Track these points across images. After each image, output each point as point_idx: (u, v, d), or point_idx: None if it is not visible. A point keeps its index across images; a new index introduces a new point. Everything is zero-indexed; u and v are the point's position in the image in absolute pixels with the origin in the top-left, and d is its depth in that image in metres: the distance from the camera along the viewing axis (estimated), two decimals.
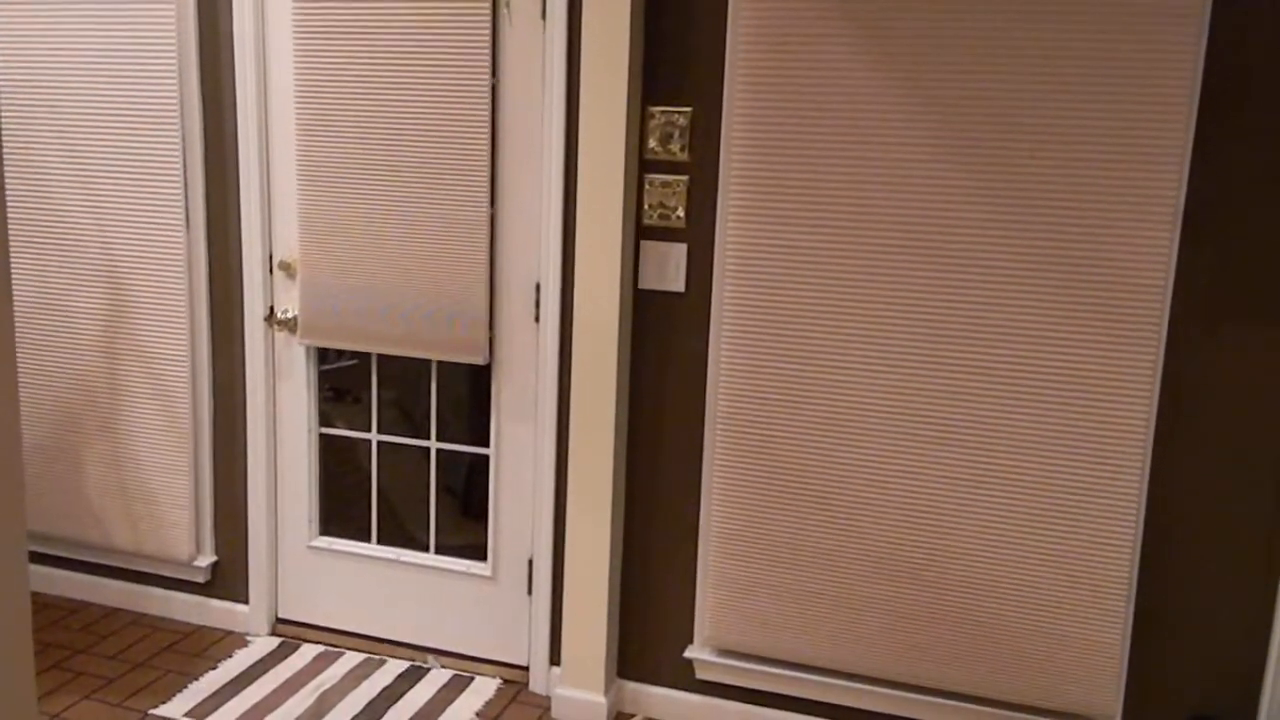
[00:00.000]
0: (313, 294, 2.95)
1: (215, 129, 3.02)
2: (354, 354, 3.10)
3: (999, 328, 2.41)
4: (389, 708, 2.85)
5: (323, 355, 3.12)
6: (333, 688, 2.94)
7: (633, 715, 2.89)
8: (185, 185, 3.04)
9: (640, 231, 2.69)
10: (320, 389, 3.13)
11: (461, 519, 3.10)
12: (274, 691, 2.91)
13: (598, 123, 2.58)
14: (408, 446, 3.09)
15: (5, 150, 3.17)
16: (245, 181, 3.00)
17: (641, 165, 2.66)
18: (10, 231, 3.21)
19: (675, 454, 2.76)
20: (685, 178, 2.63)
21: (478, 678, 3.04)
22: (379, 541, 3.16)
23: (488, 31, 2.69)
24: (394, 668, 3.07)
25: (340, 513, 3.20)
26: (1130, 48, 2.24)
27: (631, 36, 2.53)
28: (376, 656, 3.14)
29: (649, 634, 2.86)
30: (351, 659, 3.11)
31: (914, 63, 2.38)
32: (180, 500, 3.19)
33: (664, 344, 2.72)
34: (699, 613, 2.80)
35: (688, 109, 2.60)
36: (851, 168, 2.45)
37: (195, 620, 3.31)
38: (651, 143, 2.64)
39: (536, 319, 2.84)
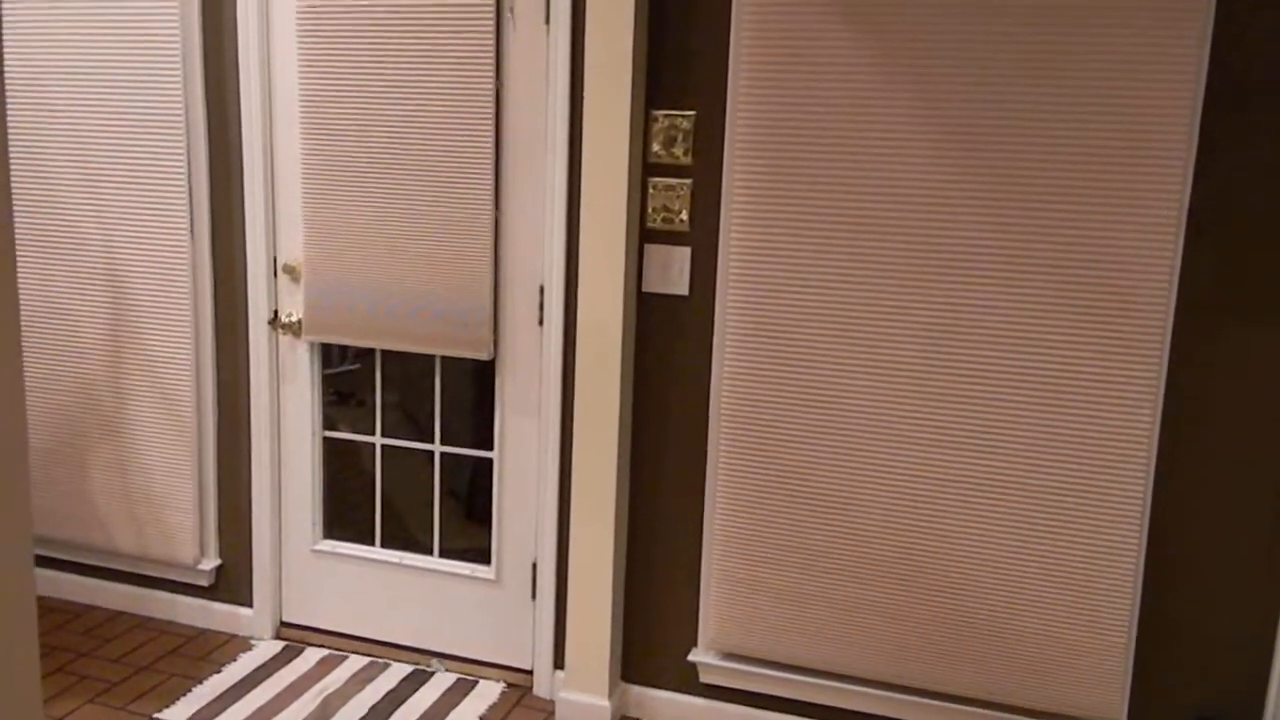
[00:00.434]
0: (317, 293, 2.96)
1: (220, 133, 3.03)
2: (357, 358, 3.11)
3: (1003, 330, 2.41)
4: (393, 711, 2.85)
5: (326, 359, 3.12)
6: (337, 691, 2.94)
7: (636, 719, 2.89)
8: (190, 189, 3.04)
9: (644, 235, 2.69)
10: (324, 392, 3.14)
11: (465, 522, 3.10)
12: (278, 695, 2.91)
13: (601, 126, 2.58)
14: (411, 450, 3.09)
15: (11, 156, 3.17)
16: (250, 185, 3.00)
17: (645, 168, 2.67)
18: (16, 236, 3.22)
19: (679, 457, 2.76)
20: (689, 181, 2.63)
21: (482, 681, 3.04)
22: (383, 545, 3.16)
23: (492, 35, 2.69)
24: (398, 671, 3.07)
25: (344, 516, 3.20)
26: (1134, 48, 2.24)
27: (635, 40, 2.53)
28: (380, 660, 3.14)
29: (653, 637, 2.86)
30: (355, 663, 3.11)
31: (917, 66, 2.38)
32: (184, 504, 3.19)
33: (667, 347, 2.72)
34: (703, 616, 2.80)
35: (691, 112, 2.61)
36: (855, 171, 2.45)
37: (199, 624, 3.31)
38: (655, 146, 2.64)
39: (540, 322, 2.85)
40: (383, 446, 3.12)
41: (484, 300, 2.82)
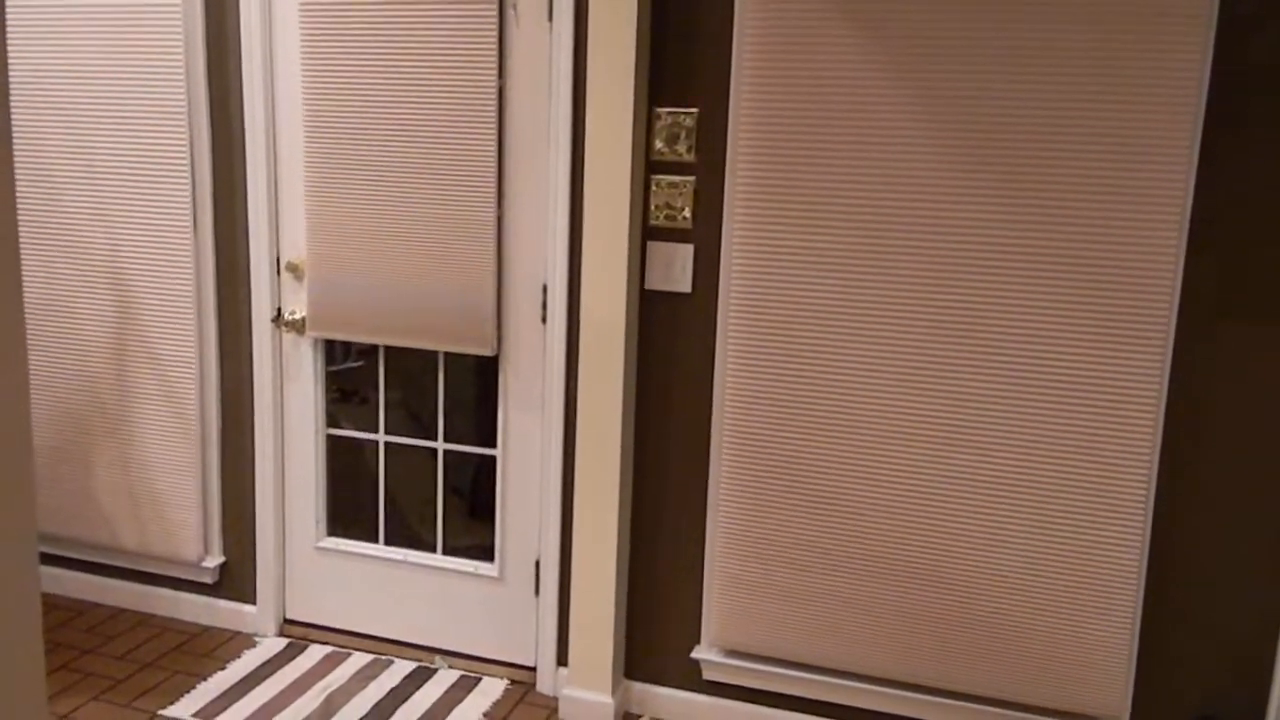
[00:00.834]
0: (320, 289, 2.96)
1: (222, 131, 3.03)
2: (361, 355, 3.11)
3: (1006, 330, 2.41)
4: (396, 709, 2.85)
5: (330, 356, 3.13)
6: (340, 688, 2.95)
7: (640, 716, 2.89)
8: (193, 187, 3.04)
9: (647, 232, 2.69)
10: (328, 390, 3.14)
11: (469, 520, 3.10)
12: (282, 692, 2.91)
13: (604, 123, 2.58)
14: (415, 447, 3.10)
15: (14, 154, 3.17)
16: (253, 183, 3.01)
17: (648, 166, 2.66)
18: (20, 234, 3.22)
19: (682, 455, 2.76)
20: (691, 178, 2.63)
21: (485, 678, 3.04)
22: (386, 542, 3.16)
23: (494, 33, 2.69)
24: (401, 668, 3.07)
25: (348, 513, 3.21)
26: (1137, 49, 2.23)
27: (638, 37, 2.53)
28: (384, 657, 3.14)
29: (656, 635, 2.86)
30: (359, 660, 3.12)
31: (921, 64, 2.37)
32: (188, 501, 3.20)
33: (670, 345, 2.72)
34: (706, 613, 2.80)
35: (694, 110, 2.61)
36: (858, 169, 2.45)
37: (203, 621, 3.32)
38: (658, 143, 2.64)
39: (544, 320, 2.85)
40: (386, 444, 3.12)
41: (487, 297, 2.82)
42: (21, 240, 3.25)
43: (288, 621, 3.28)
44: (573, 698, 2.85)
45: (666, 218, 2.66)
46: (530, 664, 3.05)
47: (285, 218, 3.03)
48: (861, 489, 2.57)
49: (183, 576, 3.31)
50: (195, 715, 2.78)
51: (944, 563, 2.53)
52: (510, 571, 3.02)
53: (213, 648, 3.17)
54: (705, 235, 2.65)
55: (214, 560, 3.26)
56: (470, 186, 2.78)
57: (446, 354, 3.01)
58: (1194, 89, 2.21)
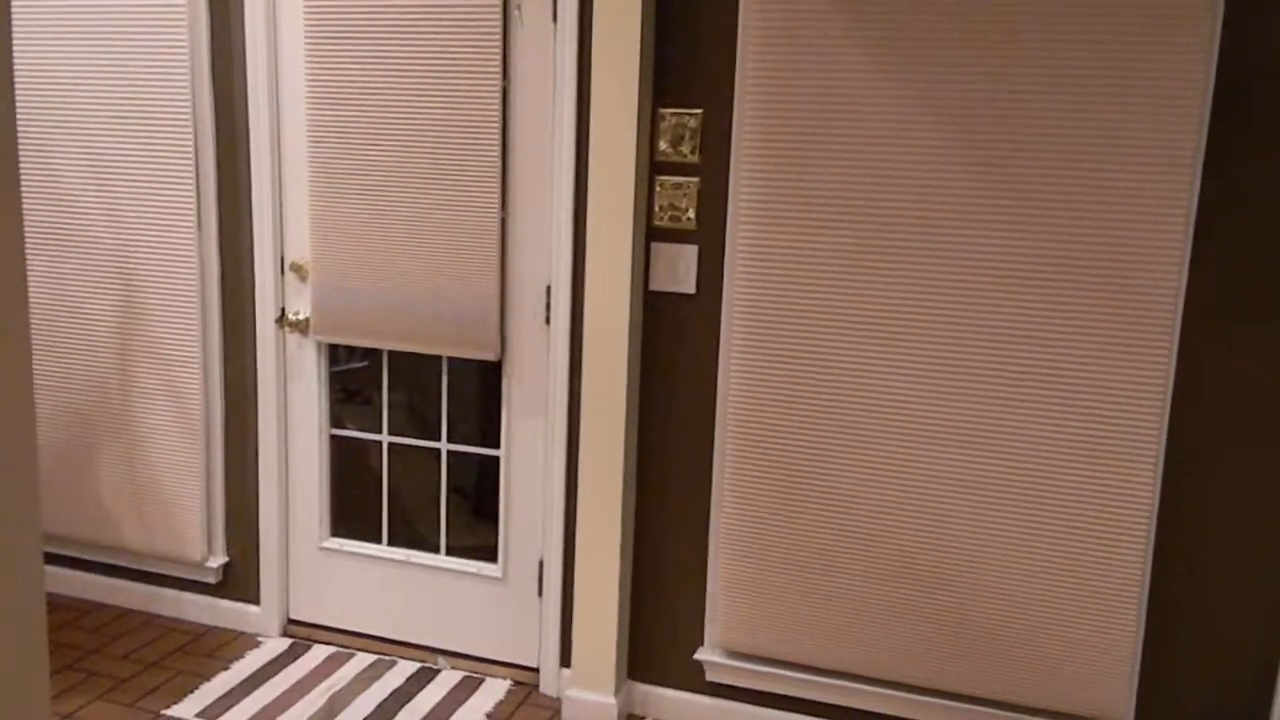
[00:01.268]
0: (324, 293, 2.96)
1: (227, 132, 3.03)
2: (364, 355, 3.11)
3: (1011, 329, 2.40)
4: (400, 709, 2.85)
5: (333, 357, 3.13)
6: (344, 689, 2.95)
7: (643, 717, 2.89)
8: (197, 188, 3.05)
9: (651, 233, 2.69)
10: (331, 390, 3.14)
11: (472, 520, 3.10)
12: (285, 692, 2.91)
13: (608, 124, 2.58)
14: (418, 448, 3.10)
15: (20, 155, 3.18)
16: (257, 184, 3.01)
17: (652, 167, 2.66)
18: (25, 234, 3.22)
19: (686, 455, 2.76)
20: (696, 179, 2.63)
21: (488, 679, 3.04)
22: (390, 543, 3.17)
23: (498, 34, 2.69)
24: (404, 669, 3.08)
25: (351, 514, 3.21)
26: (1143, 49, 2.23)
27: (642, 38, 2.53)
28: (387, 658, 3.14)
29: (659, 636, 2.86)
30: (362, 660, 3.12)
31: (926, 64, 2.37)
32: (192, 501, 3.20)
33: (674, 345, 2.72)
34: (709, 614, 2.80)
35: (698, 111, 2.60)
36: (863, 169, 2.45)
37: (207, 621, 3.32)
38: (662, 144, 2.64)
39: (547, 321, 2.85)
40: (389, 444, 3.12)
41: (491, 302, 2.82)
42: (27, 241, 3.26)
43: (291, 622, 3.28)
44: (576, 699, 2.84)
45: (671, 219, 2.66)
46: (533, 665, 3.05)
47: (290, 218, 3.03)
48: (865, 491, 2.57)
49: (186, 577, 3.31)
50: (199, 715, 2.78)
51: (947, 564, 2.53)
52: (513, 572, 3.02)
53: (216, 648, 3.17)
54: (709, 236, 2.65)
55: (218, 560, 3.26)
56: (474, 187, 2.78)
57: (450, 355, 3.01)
58: (1199, 88, 2.21)
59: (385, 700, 2.89)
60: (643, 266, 2.70)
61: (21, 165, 3.19)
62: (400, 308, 2.89)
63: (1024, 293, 2.38)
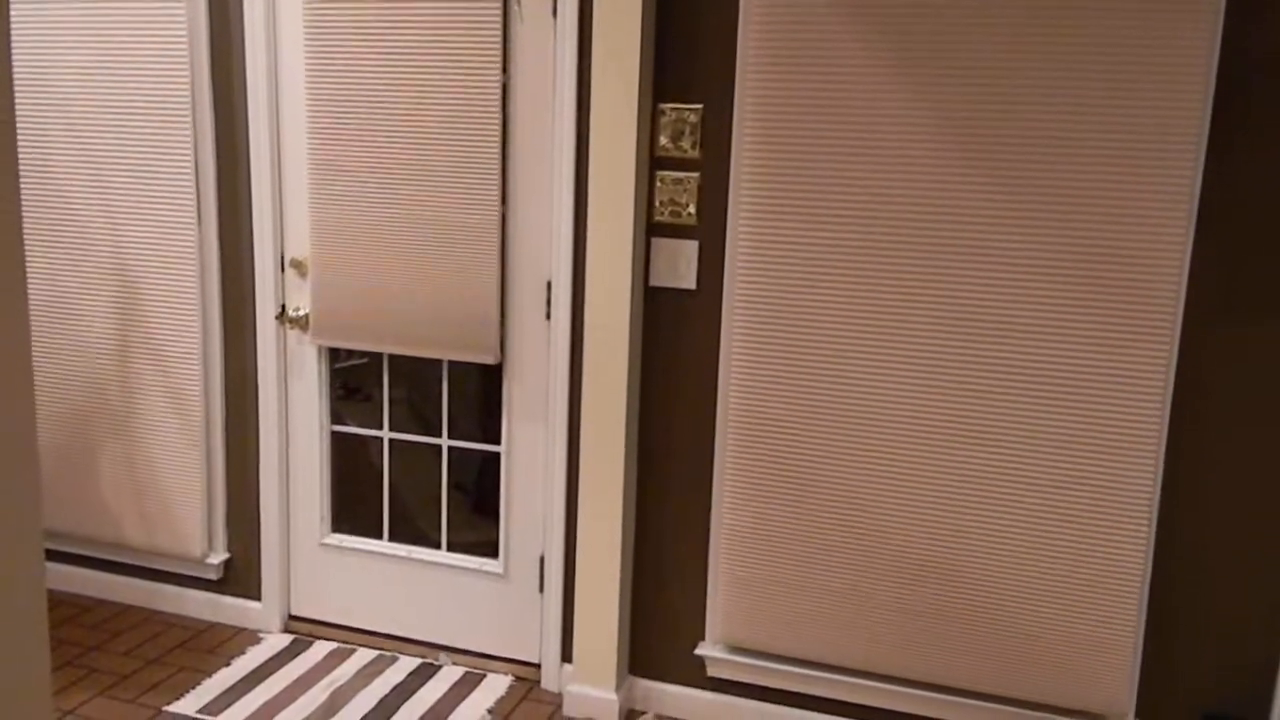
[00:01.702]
0: (324, 293, 2.96)
1: (227, 128, 3.03)
2: (365, 352, 3.11)
3: (1011, 325, 2.40)
4: (401, 705, 2.85)
5: (334, 353, 3.13)
6: (345, 685, 2.95)
7: (644, 712, 2.89)
8: (197, 184, 3.05)
9: (651, 229, 2.69)
10: (332, 387, 3.14)
11: (473, 516, 3.10)
12: (286, 689, 2.91)
13: (609, 120, 2.57)
14: (419, 444, 3.10)
15: (19, 152, 3.18)
16: (257, 180, 3.01)
17: (652, 162, 2.66)
18: (24, 232, 3.22)
19: (687, 451, 2.76)
20: (696, 175, 2.63)
21: (489, 675, 3.04)
22: (391, 539, 3.17)
23: (498, 29, 2.69)
24: (406, 665, 3.08)
25: (352, 510, 3.21)
26: (1145, 43, 2.22)
27: (643, 33, 2.53)
28: (388, 654, 3.14)
29: (660, 631, 2.86)
30: (363, 656, 3.12)
31: (926, 58, 2.37)
32: (193, 498, 3.20)
33: (675, 341, 2.72)
34: (710, 610, 2.80)
35: (699, 106, 2.60)
36: (863, 164, 2.44)
37: (208, 617, 3.33)
38: (662, 140, 2.64)
39: (548, 317, 2.84)
40: (390, 440, 3.12)
41: (490, 297, 2.81)
42: (27, 238, 3.25)
43: (292, 618, 3.28)
44: (577, 694, 2.85)
45: (671, 214, 2.66)
46: (535, 660, 3.05)
47: (289, 214, 3.03)
48: (866, 486, 2.57)
49: (187, 573, 3.32)
50: (200, 711, 2.78)
51: (949, 559, 2.53)
52: (515, 568, 3.02)
53: (217, 644, 3.17)
54: (710, 232, 2.64)
55: (219, 557, 3.27)
56: (474, 183, 2.77)
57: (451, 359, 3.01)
58: (1201, 81, 2.20)
59: (387, 696, 2.90)
60: (643, 262, 2.69)
61: (21, 164, 3.18)
62: (400, 305, 2.89)
63: (1025, 288, 2.38)
